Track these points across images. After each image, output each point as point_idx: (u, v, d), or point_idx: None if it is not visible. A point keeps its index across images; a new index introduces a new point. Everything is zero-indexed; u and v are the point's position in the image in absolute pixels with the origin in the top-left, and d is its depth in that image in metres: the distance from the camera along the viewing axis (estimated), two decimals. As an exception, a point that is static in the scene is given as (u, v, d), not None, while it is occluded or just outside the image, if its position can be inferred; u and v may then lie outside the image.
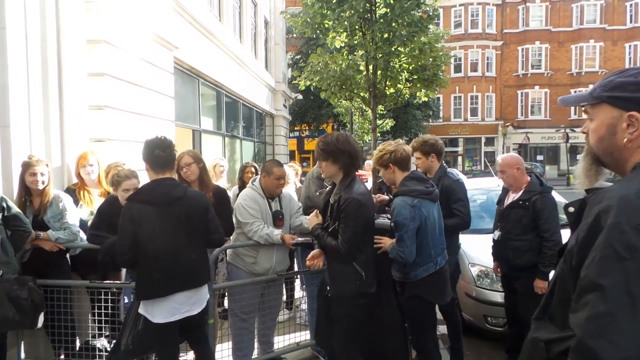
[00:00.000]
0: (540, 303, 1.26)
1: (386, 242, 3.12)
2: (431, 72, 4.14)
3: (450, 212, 3.63)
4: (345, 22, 3.98)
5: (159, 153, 2.85)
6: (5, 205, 3.16)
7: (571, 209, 1.26)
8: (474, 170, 31.76)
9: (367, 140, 17.38)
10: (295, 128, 26.45)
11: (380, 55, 3.81)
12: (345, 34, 4.15)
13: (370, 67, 3.92)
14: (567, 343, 1.05)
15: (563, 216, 5.39)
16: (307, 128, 27.03)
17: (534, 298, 3.43)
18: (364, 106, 5.02)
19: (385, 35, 3.89)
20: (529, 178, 3.70)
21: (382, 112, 11.63)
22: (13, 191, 3.55)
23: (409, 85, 4.34)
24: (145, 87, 6.13)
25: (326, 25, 4.12)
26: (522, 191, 3.65)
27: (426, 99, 5.09)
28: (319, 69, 4.20)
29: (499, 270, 4.03)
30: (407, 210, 2.97)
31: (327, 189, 3.15)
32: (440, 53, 4.24)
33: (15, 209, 3.25)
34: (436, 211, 3.17)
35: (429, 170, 3.79)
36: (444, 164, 3.79)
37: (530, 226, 3.54)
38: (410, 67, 4.18)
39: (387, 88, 4.18)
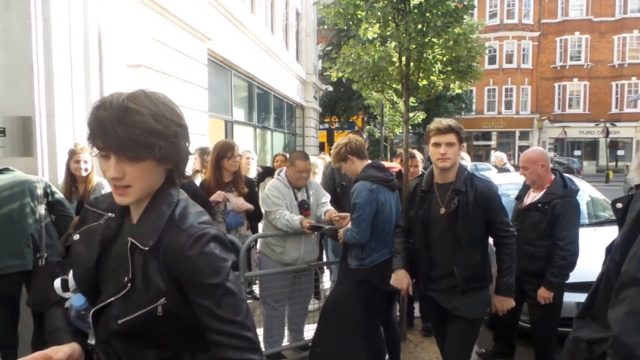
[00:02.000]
0: (549, 311, 1.24)
1: (342, 225, 3.37)
2: (465, 63, 4.05)
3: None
4: (378, 13, 3.93)
5: None
6: (49, 191, 3.32)
7: (619, 205, 1.23)
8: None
9: (398, 133, 17.17)
10: (325, 120, 26.45)
11: (413, 46, 3.75)
12: (378, 25, 4.10)
13: (403, 59, 3.87)
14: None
15: (603, 213, 5.26)
16: (337, 120, 26.98)
17: (543, 306, 3.28)
18: (395, 98, 4.94)
19: (419, 26, 3.83)
20: (553, 176, 3.39)
21: (413, 104, 11.47)
22: (58, 178, 3.71)
23: (442, 77, 4.27)
24: (180, 79, 6.27)
25: (359, 16, 4.07)
26: (543, 191, 3.35)
27: (460, 91, 4.96)
28: (351, 60, 4.17)
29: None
30: (365, 193, 3.09)
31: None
32: (475, 44, 4.13)
33: (59, 194, 3.40)
34: (394, 201, 3.28)
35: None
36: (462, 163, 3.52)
37: (547, 232, 3.23)
38: (444, 59, 4.10)
39: (420, 80, 4.12)
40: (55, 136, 3.73)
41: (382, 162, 3.80)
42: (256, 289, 3.98)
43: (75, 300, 1.22)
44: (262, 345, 3.71)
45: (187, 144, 1.18)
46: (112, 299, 1.12)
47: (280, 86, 13.78)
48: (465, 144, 3.30)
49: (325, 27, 20.37)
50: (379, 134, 17.08)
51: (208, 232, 1.12)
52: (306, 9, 17.54)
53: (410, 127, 4.66)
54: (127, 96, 1.08)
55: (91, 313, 1.17)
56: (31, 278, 3.14)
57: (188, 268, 1.08)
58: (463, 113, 28.64)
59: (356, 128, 25.52)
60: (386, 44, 4.38)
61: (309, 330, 3.87)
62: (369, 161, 3.35)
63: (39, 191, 3.24)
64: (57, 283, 1.29)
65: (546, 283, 3.20)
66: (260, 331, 3.76)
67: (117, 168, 1.07)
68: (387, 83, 4.25)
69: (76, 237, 1.26)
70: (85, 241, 1.23)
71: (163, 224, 1.13)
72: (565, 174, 3.55)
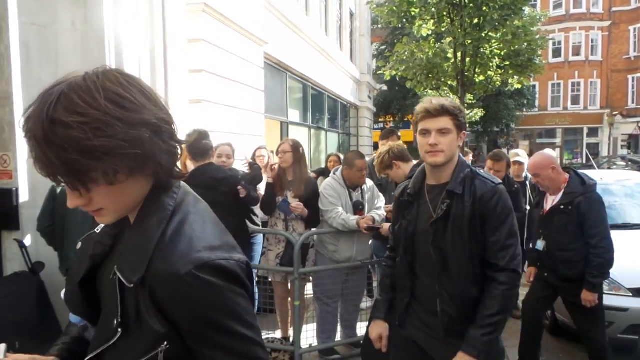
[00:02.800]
0: (596, 314, 1.21)
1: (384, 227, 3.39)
2: (525, 57, 3.91)
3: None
4: (433, 9, 3.89)
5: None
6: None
7: None
8: (574, 164, 29.31)
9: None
10: (380, 119, 26.27)
11: (469, 41, 3.68)
12: (432, 21, 4.06)
13: (459, 54, 3.80)
14: None
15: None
16: (391, 119, 26.72)
17: (588, 309, 3.12)
18: (451, 95, 4.82)
19: (475, 21, 3.75)
20: (567, 176, 3.23)
21: (471, 101, 11.17)
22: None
23: (500, 72, 4.14)
24: (238, 82, 6.50)
25: (412, 14, 4.06)
26: (561, 193, 3.21)
27: (519, 86, 4.81)
28: (405, 58, 4.16)
29: (531, 277, 3.54)
30: None
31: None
32: (537, 37, 3.94)
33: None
34: None
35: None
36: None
37: (577, 233, 3.10)
38: (502, 53, 3.98)
39: (476, 75, 4.02)
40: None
41: None
42: (310, 285, 4.06)
43: (72, 318, 1.07)
44: (315, 339, 3.80)
45: (169, 136, 0.88)
46: (104, 347, 0.89)
47: (335, 87, 13.87)
48: (527, 142, 3.16)
49: (380, 26, 20.24)
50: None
51: (206, 257, 0.85)
52: (360, 8, 17.52)
53: (468, 125, 4.57)
54: (60, 94, 0.78)
55: None
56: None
57: (183, 306, 0.84)
58: (525, 110, 27.39)
59: (411, 127, 25.16)
60: (441, 41, 4.32)
61: (362, 328, 3.90)
62: (415, 162, 3.33)
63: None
64: (62, 293, 1.08)
65: (588, 285, 3.05)
66: (313, 326, 3.84)
67: (73, 197, 0.84)
68: (442, 80, 4.20)
69: (79, 245, 1.06)
70: (83, 252, 1.02)
71: (151, 249, 0.85)
72: (579, 171, 3.37)
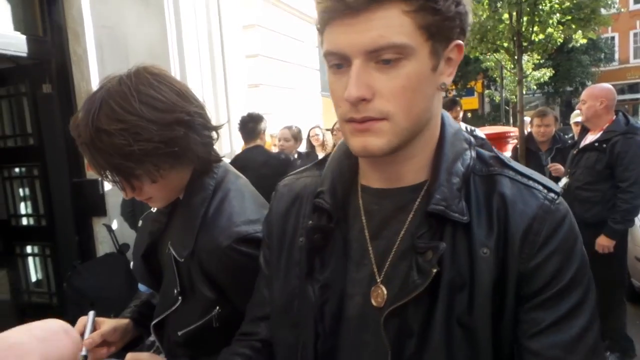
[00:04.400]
0: (612, 266, 0.99)
1: None
2: (589, 9, 3.65)
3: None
4: (485, -31, 3.76)
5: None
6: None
7: None
8: (661, 119, 26.75)
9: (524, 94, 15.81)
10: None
11: (524, -1, 3.53)
12: (486, -19, 3.92)
13: (514, 14, 3.64)
14: None
15: None
16: (454, 87, 25.78)
17: (602, 260, 2.85)
18: (507, 57, 4.59)
19: (531, -24, 3.58)
20: (614, 117, 3.00)
21: (538, 60, 10.51)
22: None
23: (561, 27, 3.90)
24: (294, 63, 6.65)
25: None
26: (601, 132, 3.01)
27: (584, 41, 4.49)
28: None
29: None
30: None
31: None
32: None
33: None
34: None
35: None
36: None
37: (604, 174, 2.88)
38: (563, 7, 3.75)
39: (534, 34, 3.82)
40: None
41: (501, 127, 3.69)
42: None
43: (141, 286, 1.21)
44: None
45: (202, 128, 0.98)
46: (168, 312, 1.03)
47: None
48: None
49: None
50: (499, 98, 16.00)
51: (244, 231, 0.94)
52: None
53: (536, 87, 4.38)
54: (102, 102, 0.89)
55: (152, 326, 1.07)
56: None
57: (227, 275, 0.95)
58: (602, 65, 25.26)
59: (475, 94, 24.13)
60: (497, 3, 4.17)
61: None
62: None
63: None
64: (131, 265, 1.28)
65: (607, 230, 2.86)
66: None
67: (129, 190, 0.97)
68: (498, 43, 4.06)
69: (140, 223, 1.20)
70: (143, 229, 1.16)
71: (197, 226, 0.97)
72: (630, 116, 3.12)
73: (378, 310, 0.69)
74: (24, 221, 4.14)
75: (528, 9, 3.67)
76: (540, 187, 0.71)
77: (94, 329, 1.02)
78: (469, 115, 26.93)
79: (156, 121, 0.88)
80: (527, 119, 6.75)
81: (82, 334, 1.00)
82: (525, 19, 3.78)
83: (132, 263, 1.24)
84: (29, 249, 4.16)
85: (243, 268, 0.93)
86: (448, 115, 0.77)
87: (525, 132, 5.64)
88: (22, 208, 4.14)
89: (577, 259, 0.69)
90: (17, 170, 4.03)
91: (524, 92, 15.55)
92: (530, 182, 0.71)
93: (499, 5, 4.00)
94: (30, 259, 4.16)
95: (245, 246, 0.94)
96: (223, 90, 4.73)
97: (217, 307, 0.96)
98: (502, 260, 0.67)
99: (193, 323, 0.99)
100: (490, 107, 24.77)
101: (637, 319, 3.86)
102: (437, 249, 0.65)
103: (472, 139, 0.77)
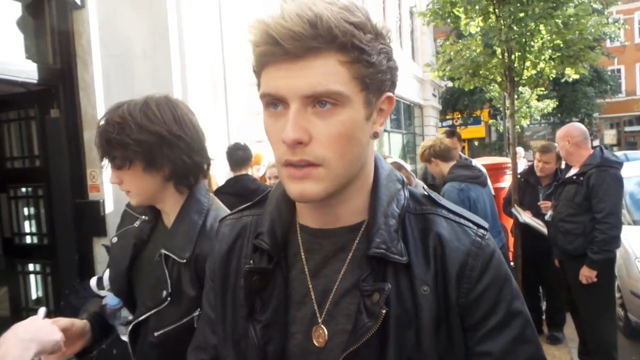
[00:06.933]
0: (597, 296, 1.10)
1: None
2: (578, 47, 3.79)
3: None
4: (477, 7, 3.90)
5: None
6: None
7: None
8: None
9: (526, 125, 15.95)
10: (447, 117, 25.64)
11: (515, 36, 3.66)
12: (479, 18, 4.06)
13: (505, 50, 3.78)
14: None
15: None
16: (459, 116, 25.98)
17: (587, 290, 3.00)
18: (520, 88, 4.64)
19: (521, 15, 3.72)
20: (591, 152, 3.19)
21: (542, 92, 10.60)
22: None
23: (553, 63, 4.03)
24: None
25: (456, 13, 4.08)
26: (580, 166, 3.18)
27: (577, 76, 4.62)
28: (451, 57, 4.20)
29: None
30: (455, 194, 3.08)
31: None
32: (609, 20, 3.75)
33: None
34: (487, 195, 3.22)
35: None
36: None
37: (584, 206, 3.02)
38: (553, 44, 3.89)
39: (525, 69, 3.96)
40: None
41: (498, 157, 3.79)
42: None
43: (111, 300, 1.26)
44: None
45: (181, 151, 1.14)
46: (150, 312, 1.14)
47: (397, 87, 13.84)
48: (613, 131, 3.16)
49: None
50: (502, 128, 16.12)
51: None
52: (421, 6, 17.34)
53: (539, 118, 4.47)
54: (123, 105, 1.15)
55: (129, 328, 1.17)
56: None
57: None
58: (609, 96, 25.36)
59: (482, 123, 24.30)
60: (488, 37, 4.32)
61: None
62: (453, 162, 3.39)
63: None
64: (93, 281, 1.35)
65: (587, 261, 2.98)
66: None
67: (113, 175, 1.18)
68: (490, 77, 4.19)
69: (114, 239, 1.31)
70: (121, 244, 1.28)
71: (196, 234, 1.14)
72: (606, 150, 3.35)
73: (320, 350, 0.72)
74: (27, 239, 4.26)
75: (517, 46, 3.80)
76: (471, 224, 0.76)
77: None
78: (476, 143, 27.03)
79: (140, 125, 1.10)
80: (519, 149, 6.78)
81: None
82: (516, 54, 3.91)
83: (105, 276, 1.33)
84: (30, 267, 4.28)
85: None
86: (380, 158, 0.81)
87: (526, 164, 5.70)
88: (26, 226, 4.27)
89: (510, 288, 0.75)
90: (23, 190, 4.17)
91: (529, 123, 15.62)
92: (462, 220, 0.76)
93: (491, 41, 4.15)
94: (31, 277, 4.27)
95: None
96: (224, 117, 4.90)
97: (199, 309, 1.00)
98: (443, 296, 0.71)
99: (174, 323, 1.10)
100: (496, 136, 24.88)
101: (633, 355, 3.85)
102: (383, 290, 0.68)
103: (404, 179, 0.81)
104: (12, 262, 4.28)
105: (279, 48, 0.63)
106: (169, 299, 1.11)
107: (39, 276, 4.22)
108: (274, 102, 0.68)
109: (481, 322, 0.72)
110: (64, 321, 1.16)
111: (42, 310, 1.11)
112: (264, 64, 0.68)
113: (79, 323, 1.22)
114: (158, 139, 1.11)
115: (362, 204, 0.75)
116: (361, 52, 0.65)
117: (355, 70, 0.65)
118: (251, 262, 0.77)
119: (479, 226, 0.76)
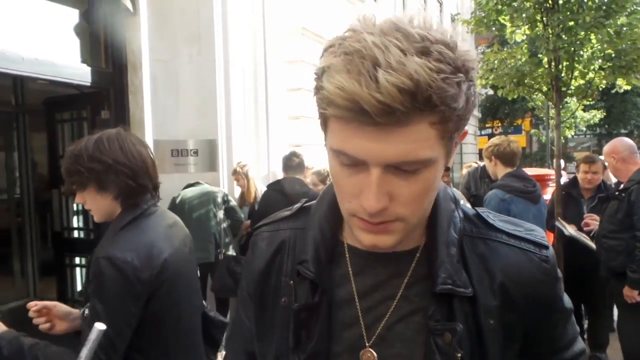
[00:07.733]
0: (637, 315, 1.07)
1: None
2: (630, 57, 3.64)
3: None
4: (523, 15, 3.81)
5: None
6: (226, 199, 4.09)
7: None
8: None
9: (570, 136, 15.39)
10: (487, 125, 25.07)
11: (563, 45, 3.54)
12: (526, 26, 3.97)
13: (553, 59, 3.67)
14: None
15: None
16: (499, 125, 25.35)
17: (630, 310, 2.91)
18: (543, 101, 4.54)
19: (571, 23, 3.60)
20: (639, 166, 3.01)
21: (589, 102, 10.23)
22: (235, 189, 4.53)
23: (603, 74, 3.88)
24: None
25: (502, 21, 4.00)
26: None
27: (629, 87, 4.43)
28: (495, 66, 4.12)
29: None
30: (495, 202, 2.96)
31: None
32: None
33: (233, 202, 4.15)
34: (535, 212, 3.04)
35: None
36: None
37: (626, 223, 2.88)
38: (604, 54, 3.75)
39: (574, 79, 3.82)
40: (232, 155, 4.55)
41: (542, 169, 3.65)
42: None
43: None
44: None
45: (125, 176, 1.33)
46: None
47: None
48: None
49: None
50: (545, 138, 15.61)
51: (106, 254, 1.26)
52: (462, 10, 17.08)
53: (584, 129, 4.33)
54: (86, 141, 1.37)
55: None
56: (214, 269, 3.91)
57: (91, 277, 1.31)
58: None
59: (523, 132, 23.62)
60: (535, 46, 4.22)
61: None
62: (513, 169, 3.23)
63: (219, 199, 4.02)
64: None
65: (628, 280, 2.86)
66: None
67: (77, 196, 1.39)
68: (535, 87, 4.08)
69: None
70: None
71: (110, 239, 1.34)
72: None
73: None
74: (75, 234, 4.47)
75: (566, 56, 3.69)
76: (532, 247, 0.72)
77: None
78: (519, 150, 26.24)
79: (91, 156, 1.32)
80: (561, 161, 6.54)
81: None
82: (564, 64, 3.79)
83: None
84: (77, 260, 4.48)
85: (98, 274, 1.25)
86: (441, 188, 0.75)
87: (566, 177, 5.50)
88: (75, 221, 4.48)
89: (569, 310, 0.78)
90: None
91: (573, 134, 15.05)
92: (524, 245, 0.72)
93: (538, 50, 4.04)
94: (77, 270, 4.47)
95: (102, 263, 1.25)
96: (264, 122, 4.98)
97: (88, 304, 1.30)
98: (509, 328, 0.69)
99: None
100: (538, 146, 24.13)
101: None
102: (456, 332, 0.65)
103: (455, 195, 0.77)
104: (60, 255, 4.50)
105: (368, 119, 0.54)
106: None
107: (84, 269, 4.41)
108: (349, 163, 0.61)
109: (552, 352, 0.77)
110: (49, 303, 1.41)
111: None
112: (340, 119, 0.58)
113: (65, 307, 1.45)
114: (105, 166, 1.33)
115: (420, 228, 0.72)
116: (453, 110, 0.57)
117: (444, 129, 0.58)
118: (294, 296, 0.73)
119: (541, 246, 0.73)
